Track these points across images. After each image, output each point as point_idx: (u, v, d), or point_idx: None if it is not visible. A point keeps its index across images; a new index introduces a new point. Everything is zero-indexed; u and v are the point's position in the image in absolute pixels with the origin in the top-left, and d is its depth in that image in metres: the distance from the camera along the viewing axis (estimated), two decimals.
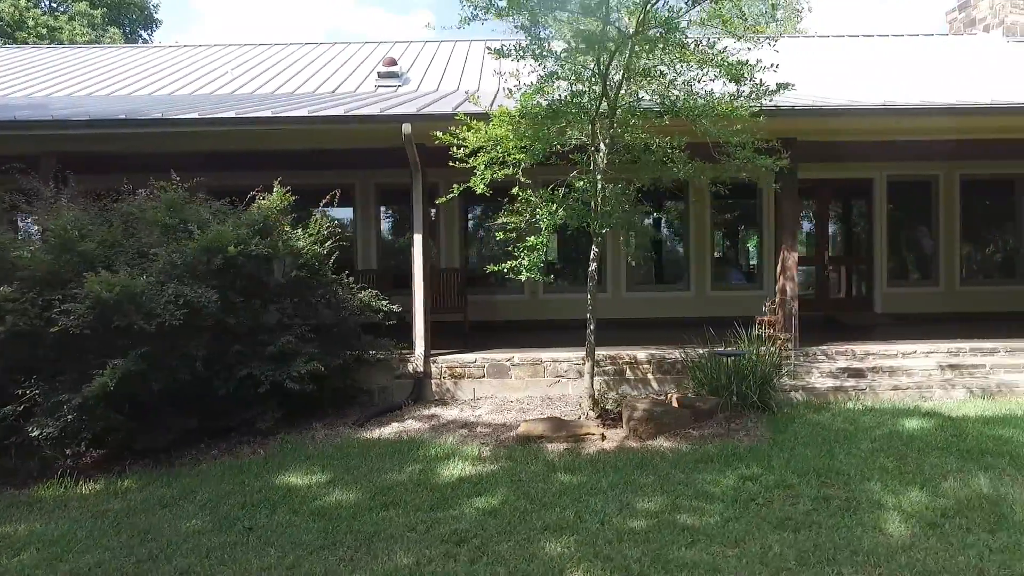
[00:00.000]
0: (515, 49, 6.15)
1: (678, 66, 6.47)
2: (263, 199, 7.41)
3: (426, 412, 7.66)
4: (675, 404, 7.00)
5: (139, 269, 6.38)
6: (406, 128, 7.79)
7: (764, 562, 3.95)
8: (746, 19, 6.02)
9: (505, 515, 4.67)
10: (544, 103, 6.29)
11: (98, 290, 5.71)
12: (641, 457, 5.80)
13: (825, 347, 8.57)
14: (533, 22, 5.73)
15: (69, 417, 5.75)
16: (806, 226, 12.82)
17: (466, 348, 8.86)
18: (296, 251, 7.38)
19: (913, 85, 10.87)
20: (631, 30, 5.79)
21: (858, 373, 8.07)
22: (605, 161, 6.78)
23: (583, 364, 7.33)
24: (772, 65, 6.18)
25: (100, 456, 6.40)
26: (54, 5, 28.49)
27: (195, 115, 8.04)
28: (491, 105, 7.34)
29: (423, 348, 8.37)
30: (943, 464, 5.38)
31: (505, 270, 6.64)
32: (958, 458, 5.50)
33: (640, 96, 6.82)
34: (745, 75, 6.05)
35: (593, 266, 7.11)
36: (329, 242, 7.82)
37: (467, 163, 6.71)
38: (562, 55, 6.05)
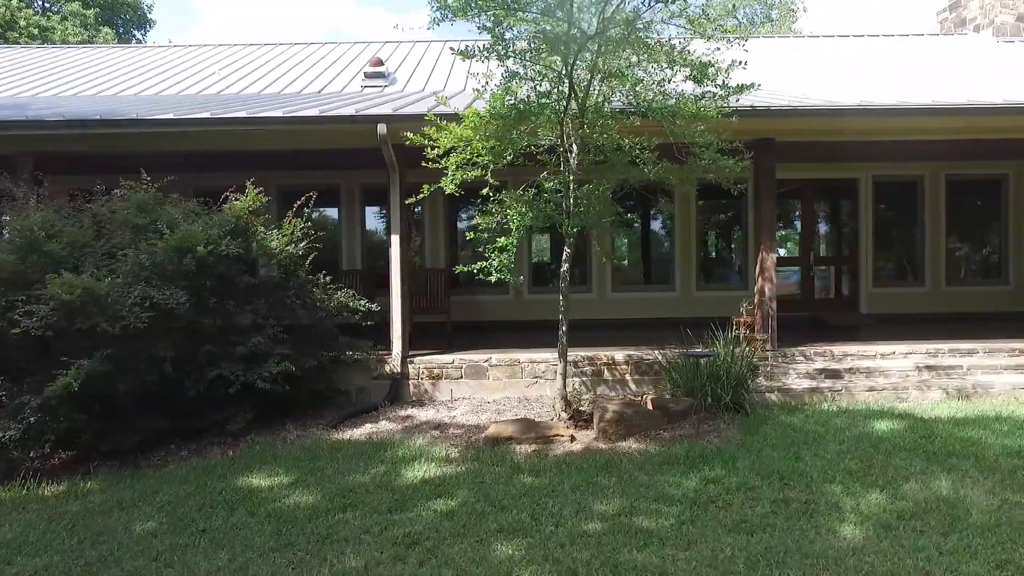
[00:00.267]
0: (479, 50, 6.13)
1: (648, 67, 6.45)
2: (236, 199, 7.39)
3: (401, 413, 7.65)
4: (649, 405, 6.97)
5: (107, 270, 6.37)
6: (381, 129, 7.79)
7: (713, 565, 3.92)
8: (712, 20, 5.98)
9: (461, 517, 4.64)
10: (510, 103, 6.27)
11: (59, 292, 5.69)
12: (607, 459, 5.77)
13: (804, 348, 8.53)
14: (496, 23, 5.71)
15: (32, 419, 5.73)
16: (792, 227, 12.80)
17: (449, 349, 8.84)
18: (269, 251, 7.36)
19: (902, 85, 10.82)
20: (593, 30, 5.76)
21: (835, 374, 8.03)
22: (576, 161, 6.75)
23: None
24: (740, 63, 6.14)
25: (68, 458, 6.40)
26: (46, 5, 28.46)
27: (171, 115, 8.04)
28: (470, 105, 7.32)
29: (400, 349, 8.36)
30: (908, 466, 5.35)
31: (475, 271, 6.62)
32: (924, 460, 5.47)
33: (611, 97, 6.79)
34: (709, 74, 6.01)
35: (565, 267, 7.07)
36: (304, 243, 7.78)
37: (439, 164, 6.69)
38: (525, 55, 6.03)
